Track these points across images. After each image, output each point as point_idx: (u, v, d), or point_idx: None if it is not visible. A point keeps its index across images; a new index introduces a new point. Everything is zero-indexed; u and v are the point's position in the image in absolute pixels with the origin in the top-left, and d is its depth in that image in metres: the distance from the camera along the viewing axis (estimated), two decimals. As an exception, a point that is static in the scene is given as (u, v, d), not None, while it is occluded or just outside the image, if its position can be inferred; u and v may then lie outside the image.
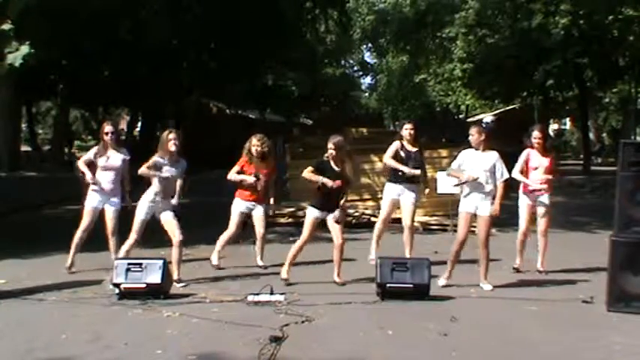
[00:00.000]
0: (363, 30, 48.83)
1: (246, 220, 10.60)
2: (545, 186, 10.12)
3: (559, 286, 9.21)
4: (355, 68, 68.48)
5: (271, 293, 8.19)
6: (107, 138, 9.90)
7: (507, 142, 26.59)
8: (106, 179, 9.85)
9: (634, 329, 7.14)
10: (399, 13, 44.21)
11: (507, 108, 41.20)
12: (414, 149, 10.44)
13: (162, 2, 20.38)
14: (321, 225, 9.40)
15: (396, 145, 10.45)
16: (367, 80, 71.41)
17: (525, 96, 36.72)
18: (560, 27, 28.16)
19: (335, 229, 9.22)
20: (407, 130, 10.49)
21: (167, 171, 9.11)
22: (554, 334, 6.99)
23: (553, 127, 60.90)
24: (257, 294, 8.17)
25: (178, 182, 9.42)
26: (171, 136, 9.20)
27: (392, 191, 10.48)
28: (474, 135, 9.14)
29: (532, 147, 10.21)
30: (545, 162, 10.13)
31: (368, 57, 65.68)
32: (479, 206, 8.97)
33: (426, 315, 7.57)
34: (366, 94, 74.17)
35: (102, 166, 9.86)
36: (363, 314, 7.71)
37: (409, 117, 61.10)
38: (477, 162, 9.02)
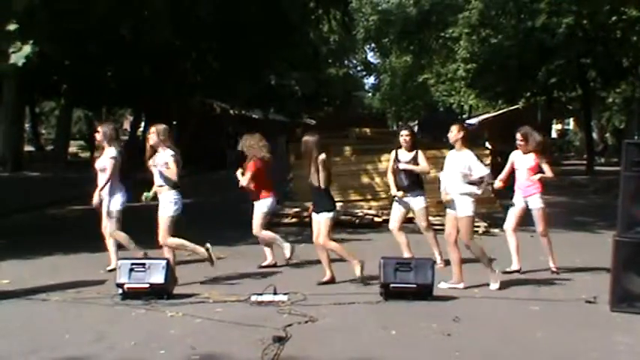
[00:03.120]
0: (366, 30, 48.79)
1: None
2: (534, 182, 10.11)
3: (562, 286, 9.20)
4: (358, 68, 68.58)
5: (274, 293, 8.19)
6: (98, 138, 9.99)
7: (511, 142, 26.64)
8: (101, 180, 9.89)
9: (637, 329, 7.14)
10: (403, 13, 44.18)
11: (511, 108, 41.13)
12: (409, 156, 10.31)
13: (165, 3, 20.36)
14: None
15: (392, 156, 10.46)
16: (370, 80, 71.62)
17: (529, 96, 36.67)
18: (563, 27, 28.12)
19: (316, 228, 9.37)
20: (402, 137, 10.39)
21: (152, 166, 9.21)
22: (557, 334, 6.99)
23: (556, 127, 60.86)
24: (260, 294, 8.17)
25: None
26: (150, 130, 9.32)
27: (398, 203, 10.46)
28: (452, 132, 9.16)
29: (516, 148, 10.29)
30: (527, 163, 10.11)
31: (371, 57, 65.85)
32: (456, 207, 8.97)
33: (429, 315, 7.56)
34: (370, 94, 74.23)
35: (97, 168, 9.95)
36: (366, 314, 7.72)
37: (412, 117, 61.39)
38: (451, 162, 9.08)
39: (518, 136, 10.26)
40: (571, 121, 60.99)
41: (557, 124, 59.96)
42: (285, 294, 8.26)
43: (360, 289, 8.72)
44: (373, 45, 56.81)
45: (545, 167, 10.12)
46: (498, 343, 6.70)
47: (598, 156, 41.82)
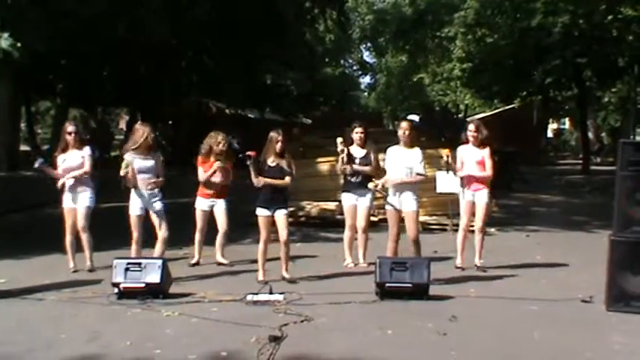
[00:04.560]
0: (362, 29, 48.85)
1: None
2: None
3: (558, 286, 9.20)
4: (354, 68, 68.49)
5: (270, 293, 8.18)
6: (69, 138, 10.00)
7: (507, 141, 26.65)
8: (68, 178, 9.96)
9: (633, 329, 7.15)
10: (398, 12, 44.22)
11: (506, 107, 41.16)
12: (362, 153, 10.26)
13: (161, 1, 20.34)
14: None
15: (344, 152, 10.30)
16: (366, 80, 71.49)
17: (525, 95, 36.68)
18: (559, 26, 28.14)
19: (281, 224, 9.21)
20: (357, 134, 10.34)
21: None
22: (553, 333, 6.99)
23: (552, 126, 60.90)
24: (256, 293, 8.16)
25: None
26: (147, 130, 9.55)
27: (349, 199, 10.44)
28: (405, 131, 9.41)
29: (467, 142, 10.21)
30: (477, 156, 10.08)
31: (367, 56, 65.75)
32: (404, 202, 9.07)
33: (425, 314, 7.56)
34: (365, 94, 74.21)
35: (63, 167, 9.96)
36: (362, 314, 7.71)
37: (407, 116, 61.43)
38: (400, 158, 9.32)
39: (472, 127, 10.27)
40: (567, 120, 61.05)
41: (553, 123, 60.01)
42: (280, 293, 8.26)
43: (356, 289, 8.70)
44: (369, 44, 56.85)
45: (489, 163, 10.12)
46: (494, 342, 6.70)
47: (594, 155, 41.85)
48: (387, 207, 9.39)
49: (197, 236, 10.58)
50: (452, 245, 10.43)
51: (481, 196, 10.05)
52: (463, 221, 10.19)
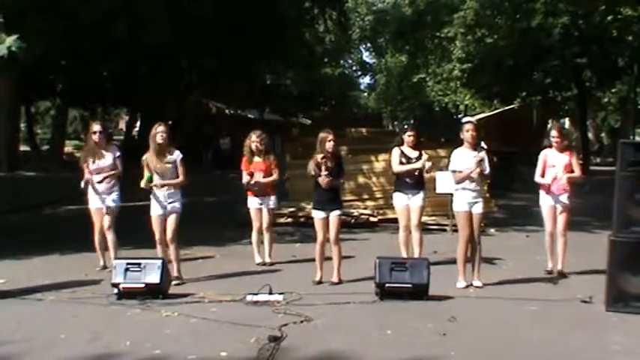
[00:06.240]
0: (361, 30, 48.82)
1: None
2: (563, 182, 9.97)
3: (558, 286, 9.21)
4: (354, 68, 68.47)
5: (270, 293, 8.18)
6: (95, 137, 9.95)
7: (506, 141, 26.57)
8: (98, 180, 9.89)
9: (633, 329, 7.14)
10: (398, 12, 44.21)
11: (506, 108, 41.12)
12: (415, 154, 9.97)
13: (161, 1, 20.34)
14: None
15: (396, 152, 10.13)
16: (366, 80, 71.44)
17: (524, 96, 36.66)
18: (559, 27, 28.15)
19: (331, 224, 9.23)
20: (410, 136, 10.01)
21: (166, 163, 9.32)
22: (552, 333, 6.99)
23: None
24: (255, 294, 8.16)
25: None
26: (159, 129, 9.36)
27: (401, 200, 10.13)
28: (471, 132, 9.22)
29: (550, 146, 10.13)
30: (563, 160, 10.01)
31: (367, 57, 65.72)
32: (473, 204, 9.01)
33: (424, 315, 7.56)
34: (365, 94, 74.18)
35: (94, 168, 9.90)
36: (361, 314, 7.71)
37: (408, 117, 61.38)
38: (469, 160, 9.12)
39: (555, 132, 10.19)
40: (567, 120, 61.03)
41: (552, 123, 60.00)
42: (280, 294, 8.26)
43: (356, 289, 8.70)
44: (369, 45, 56.83)
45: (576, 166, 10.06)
46: (494, 342, 6.70)
47: (593, 156, 41.85)
48: (457, 208, 9.31)
49: (254, 236, 10.58)
50: (452, 245, 10.40)
51: (563, 199, 9.99)
52: (548, 227, 10.08)
